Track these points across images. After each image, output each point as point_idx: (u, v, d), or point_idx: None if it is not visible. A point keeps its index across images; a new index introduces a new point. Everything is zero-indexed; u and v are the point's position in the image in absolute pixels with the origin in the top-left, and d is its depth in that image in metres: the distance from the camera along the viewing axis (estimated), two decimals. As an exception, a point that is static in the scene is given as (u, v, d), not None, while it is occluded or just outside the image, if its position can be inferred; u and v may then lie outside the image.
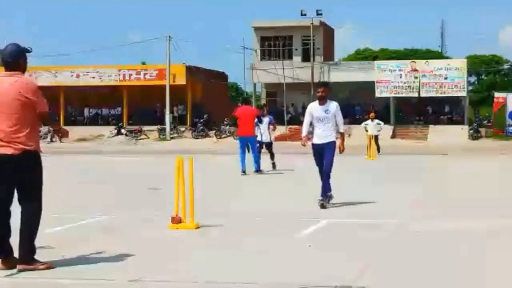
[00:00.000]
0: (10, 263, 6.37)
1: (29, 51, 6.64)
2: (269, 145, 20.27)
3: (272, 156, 20.12)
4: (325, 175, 10.86)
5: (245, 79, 57.92)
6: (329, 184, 10.92)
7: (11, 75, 6.38)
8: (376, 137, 27.85)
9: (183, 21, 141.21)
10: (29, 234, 6.35)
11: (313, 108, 10.99)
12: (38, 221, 6.43)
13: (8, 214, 6.38)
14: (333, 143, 10.90)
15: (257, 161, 18.09)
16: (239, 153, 18.00)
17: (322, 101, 10.91)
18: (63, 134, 6.84)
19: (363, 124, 29.47)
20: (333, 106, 10.93)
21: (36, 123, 6.43)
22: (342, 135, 11.38)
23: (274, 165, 19.84)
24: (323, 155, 10.81)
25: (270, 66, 51.53)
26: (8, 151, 6.24)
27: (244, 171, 17.51)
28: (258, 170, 17.97)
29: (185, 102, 53.05)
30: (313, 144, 11.02)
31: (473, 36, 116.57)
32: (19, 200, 6.39)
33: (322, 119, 10.85)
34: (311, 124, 11.12)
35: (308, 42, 51.88)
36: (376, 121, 28.94)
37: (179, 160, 8.67)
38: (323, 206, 10.69)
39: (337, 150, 10.94)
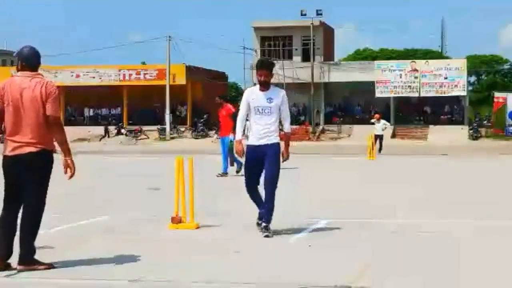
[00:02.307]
0: (6, 264, 6.36)
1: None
2: None
3: None
4: (269, 187, 8.14)
5: (245, 79, 57.88)
6: (273, 205, 8.26)
7: (34, 76, 6.45)
8: (381, 137, 28.35)
9: (183, 21, 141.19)
10: (30, 235, 6.36)
11: (252, 95, 8.24)
12: (39, 222, 6.44)
13: (18, 213, 6.43)
14: (277, 145, 8.19)
15: (236, 161, 17.37)
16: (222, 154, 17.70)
17: (264, 86, 8.25)
18: (67, 165, 6.64)
19: (373, 120, 29.99)
20: (279, 94, 8.26)
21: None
22: (287, 137, 8.44)
23: None
24: (263, 163, 8.14)
25: (270, 66, 51.48)
26: (26, 150, 6.30)
27: (225, 172, 17.37)
28: (225, 171, 17.43)
29: (185, 102, 53.04)
30: (248, 146, 8.24)
31: (473, 36, 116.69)
32: (24, 200, 6.39)
33: (262, 110, 8.15)
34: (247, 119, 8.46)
35: (308, 42, 51.90)
36: (383, 121, 29.51)
37: (179, 160, 8.67)
38: (267, 236, 8.06)
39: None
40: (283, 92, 8.34)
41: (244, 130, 8.42)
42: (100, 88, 52.22)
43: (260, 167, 8.22)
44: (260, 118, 8.17)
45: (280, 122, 8.41)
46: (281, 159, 8.27)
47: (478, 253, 7.21)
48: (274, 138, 8.19)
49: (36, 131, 6.35)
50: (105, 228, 8.90)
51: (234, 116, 15.89)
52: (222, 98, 19.01)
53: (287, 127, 8.35)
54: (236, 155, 9.13)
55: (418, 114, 50.97)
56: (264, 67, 8.30)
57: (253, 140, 8.21)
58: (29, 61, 6.50)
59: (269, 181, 8.13)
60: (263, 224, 8.17)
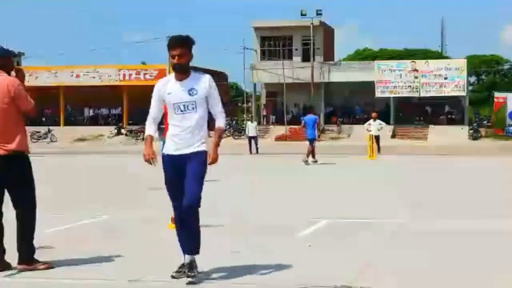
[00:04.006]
0: (2, 265, 6.36)
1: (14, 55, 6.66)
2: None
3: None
4: (189, 217, 5.99)
5: (245, 79, 57.94)
6: (199, 233, 6.13)
7: None
8: (378, 137, 27.97)
9: (183, 21, 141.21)
10: (27, 235, 6.36)
11: (166, 88, 6.04)
12: (33, 221, 6.43)
13: (0, 214, 6.41)
14: (203, 155, 6.00)
15: None
16: None
17: (182, 72, 6.02)
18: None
19: (366, 125, 29.54)
20: (203, 81, 6.07)
21: (21, 123, 6.40)
22: (219, 133, 6.18)
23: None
24: (184, 177, 5.97)
25: (270, 66, 51.57)
26: None
27: None
28: None
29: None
30: (164, 157, 6.10)
31: (473, 36, 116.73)
32: (13, 202, 6.38)
33: (184, 108, 5.97)
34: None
35: (308, 42, 51.91)
36: (378, 121, 29.07)
37: (179, 160, 8.67)
38: (192, 283, 5.85)
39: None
40: (208, 77, 6.08)
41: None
42: (100, 88, 52.23)
43: (181, 184, 6.04)
44: (181, 118, 5.95)
45: (211, 118, 6.19)
46: (207, 163, 6.06)
47: (478, 253, 7.20)
48: (200, 145, 5.98)
49: (4, 131, 6.26)
50: (105, 228, 8.90)
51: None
52: None
53: (222, 122, 6.13)
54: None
55: (418, 114, 50.98)
56: (177, 44, 5.92)
57: (170, 149, 6.00)
58: None
59: (187, 209, 5.91)
60: (186, 260, 6.04)
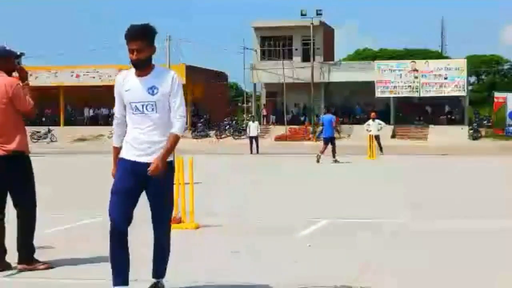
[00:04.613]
0: (3, 265, 6.36)
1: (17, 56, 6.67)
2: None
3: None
4: (163, 242, 5.56)
5: (245, 79, 57.99)
6: (169, 251, 5.63)
7: None
8: (378, 137, 28.03)
9: (183, 21, 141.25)
10: (27, 235, 6.36)
11: (125, 84, 5.29)
12: (34, 221, 6.43)
13: (2, 214, 6.41)
14: (169, 164, 5.30)
15: None
16: None
17: (142, 69, 5.23)
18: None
19: (365, 125, 29.55)
20: (166, 78, 5.26)
21: (21, 123, 6.40)
22: (172, 139, 5.21)
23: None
24: (140, 189, 5.35)
25: (270, 66, 51.58)
26: None
27: None
28: None
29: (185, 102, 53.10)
30: (120, 161, 5.35)
31: (473, 36, 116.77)
32: (13, 202, 6.39)
33: (143, 108, 5.21)
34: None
35: (308, 42, 51.90)
36: (378, 121, 29.08)
37: (179, 161, 8.67)
38: None
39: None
40: (172, 74, 5.30)
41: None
42: (100, 88, 52.24)
43: (135, 196, 5.33)
44: (140, 119, 5.20)
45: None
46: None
47: (478, 253, 7.20)
48: (160, 151, 5.18)
49: (3, 132, 6.26)
50: (105, 228, 8.87)
51: None
52: None
53: (177, 128, 5.22)
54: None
55: (418, 114, 50.97)
56: (135, 37, 5.12)
57: (129, 153, 5.25)
58: None
59: (162, 237, 5.46)
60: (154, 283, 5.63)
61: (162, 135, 5.21)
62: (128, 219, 5.39)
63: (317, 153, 23.41)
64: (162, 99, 5.20)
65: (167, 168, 5.22)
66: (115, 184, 5.29)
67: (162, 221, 5.47)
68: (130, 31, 5.16)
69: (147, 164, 5.13)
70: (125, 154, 5.30)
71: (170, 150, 5.20)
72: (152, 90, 5.20)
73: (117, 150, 5.43)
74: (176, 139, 5.23)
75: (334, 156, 23.41)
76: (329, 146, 23.66)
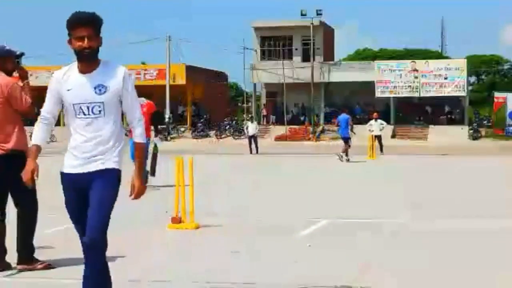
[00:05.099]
0: (3, 265, 6.36)
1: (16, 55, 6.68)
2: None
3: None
4: (92, 256, 4.64)
5: (245, 79, 57.99)
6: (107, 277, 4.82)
7: None
8: (380, 137, 28.20)
9: (183, 21, 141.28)
10: (27, 234, 6.36)
11: (65, 83, 4.50)
12: (34, 221, 6.43)
13: (3, 214, 6.41)
14: (113, 174, 4.50)
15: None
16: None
17: (92, 60, 4.47)
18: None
19: (367, 125, 29.64)
20: (117, 76, 4.49)
21: (19, 123, 6.41)
22: (139, 151, 4.63)
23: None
24: (89, 202, 4.53)
25: (270, 66, 51.58)
26: None
27: None
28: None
29: (185, 102, 53.12)
30: (63, 175, 4.64)
31: (473, 36, 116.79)
32: (14, 201, 6.39)
33: (85, 110, 4.46)
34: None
35: (308, 42, 51.91)
36: (380, 121, 29.26)
37: (179, 160, 8.67)
38: None
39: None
40: (123, 70, 4.52)
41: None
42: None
43: (84, 211, 4.62)
44: (84, 124, 4.44)
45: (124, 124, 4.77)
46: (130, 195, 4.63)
47: (478, 253, 7.20)
48: (109, 161, 4.47)
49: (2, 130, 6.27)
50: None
51: (155, 115, 14.47)
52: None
53: (140, 134, 4.54)
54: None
55: (418, 114, 50.97)
56: (86, 22, 4.40)
57: (71, 164, 4.54)
58: None
59: (88, 246, 4.56)
60: None
61: (111, 142, 4.44)
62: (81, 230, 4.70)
63: (340, 154, 23.97)
64: (111, 99, 4.43)
65: (116, 180, 4.48)
66: (66, 198, 4.68)
67: (92, 234, 4.54)
68: (78, 16, 4.42)
69: (91, 174, 4.42)
70: (67, 166, 4.54)
71: (141, 165, 4.60)
72: (99, 89, 4.42)
73: (38, 148, 4.60)
74: (142, 148, 4.58)
75: (347, 155, 23.99)
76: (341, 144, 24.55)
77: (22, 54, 6.80)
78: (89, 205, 4.51)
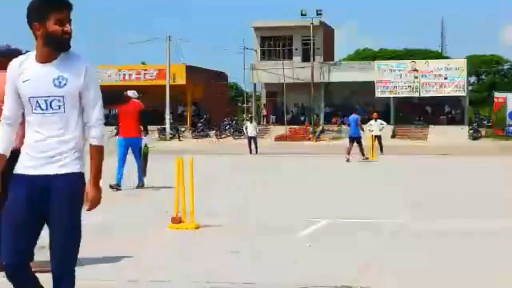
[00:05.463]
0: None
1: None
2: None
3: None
4: (57, 278, 4.08)
5: (245, 79, 57.99)
6: None
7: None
8: (380, 137, 28.21)
9: (183, 21, 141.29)
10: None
11: (22, 74, 3.95)
12: None
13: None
14: (76, 179, 3.98)
15: (139, 170, 14.19)
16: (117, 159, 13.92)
17: (66, 50, 3.91)
18: None
19: (367, 125, 29.62)
20: (79, 68, 3.92)
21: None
22: (96, 155, 4.08)
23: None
24: (43, 213, 3.93)
25: (270, 66, 51.59)
26: None
27: (118, 184, 13.55)
28: (118, 182, 13.68)
29: (185, 102, 53.13)
30: (15, 177, 3.99)
31: (473, 36, 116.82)
32: None
33: (43, 104, 3.91)
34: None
35: (308, 42, 51.91)
36: (380, 121, 29.25)
37: (179, 160, 8.67)
38: None
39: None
40: (85, 61, 3.96)
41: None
42: (100, 88, 52.21)
43: (34, 228, 3.98)
44: (42, 120, 3.91)
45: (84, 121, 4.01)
46: (84, 205, 4.07)
47: (478, 253, 7.20)
48: (70, 163, 3.95)
49: None
50: (105, 228, 8.89)
51: (143, 113, 13.99)
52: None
53: (98, 135, 4.03)
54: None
55: (418, 114, 50.98)
56: (64, 2, 3.85)
57: (25, 164, 3.96)
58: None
59: (58, 280, 4.06)
60: None
61: (71, 140, 3.92)
62: (29, 255, 4.17)
63: (346, 156, 24.06)
64: (72, 93, 3.89)
65: (79, 185, 3.96)
66: (9, 203, 3.91)
67: (63, 266, 4.07)
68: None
69: (49, 177, 3.86)
70: (21, 167, 3.95)
71: (99, 170, 4.01)
72: (59, 81, 3.87)
73: (3, 157, 4.07)
74: (100, 152, 4.04)
75: (363, 154, 24.29)
76: (352, 145, 24.36)
77: (27, 52, 6.80)
78: (52, 228, 3.90)
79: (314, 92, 50.08)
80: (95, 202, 4.01)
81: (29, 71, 3.91)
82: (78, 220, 4.03)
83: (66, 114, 3.90)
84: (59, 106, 3.89)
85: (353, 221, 9.45)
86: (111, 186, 13.27)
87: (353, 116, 25.36)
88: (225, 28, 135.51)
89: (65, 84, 3.88)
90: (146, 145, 14.54)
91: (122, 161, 13.82)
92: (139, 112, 13.88)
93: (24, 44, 6.68)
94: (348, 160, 23.60)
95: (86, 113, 3.96)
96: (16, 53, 6.63)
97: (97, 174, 4.00)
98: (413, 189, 14.03)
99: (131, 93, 14.39)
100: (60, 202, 3.86)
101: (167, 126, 49.36)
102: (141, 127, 14.07)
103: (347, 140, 25.45)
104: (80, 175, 3.97)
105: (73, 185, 3.92)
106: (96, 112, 3.97)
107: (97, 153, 4.03)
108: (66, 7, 3.85)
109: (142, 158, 14.23)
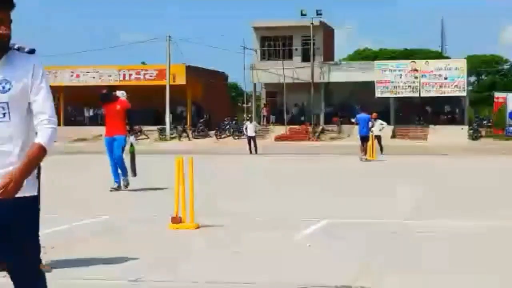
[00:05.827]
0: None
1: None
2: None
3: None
4: None
5: (245, 79, 57.97)
6: None
7: None
8: (379, 137, 28.22)
9: (183, 21, 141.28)
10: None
11: None
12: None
13: None
14: (28, 204, 3.53)
15: (121, 167, 13.60)
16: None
17: (6, 50, 3.55)
18: None
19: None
20: (25, 67, 3.55)
21: None
22: (36, 153, 3.48)
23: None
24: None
25: (270, 66, 51.59)
26: None
27: (118, 185, 13.50)
28: (118, 183, 13.49)
29: (185, 102, 53.11)
30: None
31: (473, 36, 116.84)
32: None
33: None
34: None
35: (308, 42, 51.91)
36: (379, 121, 29.24)
37: (179, 160, 8.67)
38: None
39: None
40: (32, 61, 3.61)
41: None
42: (100, 88, 52.18)
43: None
44: None
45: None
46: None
47: (478, 253, 7.21)
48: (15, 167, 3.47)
49: None
50: (105, 228, 8.90)
51: (130, 112, 13.90)
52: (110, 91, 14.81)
53: (46, 137, 3.57)
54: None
55: (418, 114, 50.97)
56: (3, 2, 3.51)
57: None
58: None
59: (19, 277, 3.78)
60: None
61: (16, 149, 3.51)
62: None
63: (361, 156, 24.26)
64: (18, 97, 3.51)
65: (30, 206, 3.53)
66: None
67: (31, 281, 3.71)
68: None
69: None
70: None
71: (30, 165, 3.44)
72: (2, 85, 3.49)
73: None
74: (41, 151, 3.49)
75: (365, 154, 24.52)
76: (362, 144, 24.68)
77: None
78: (5, 233, 3.54)
79: (314, 92, 50.06)
80: (12, 189, 3.35)
81: None
82: (34, 230, 3.62)
83: (11, 121, 3.51)
84: (4, 114, 3.49)
85: (353, 221, 9.45)
86: (112, 190, 13.27)
87: (363, 116, 25.66)
88: (225, 28, 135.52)
89: (9, 88, 3.49)
90: (132, 145, 14.32)
91: (113, 160, 13.62)
92: (126, 111, 13.79)
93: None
94: (365, 159, 23.95)
95: (36, 113, 3.56)
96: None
97: (25, 166, 3.41)
98: (413, 189, 14.03)
99: (119, 93, 14.32)
100: (10, 213, 3.44)
101: (167, 126, 49.37)
102: (127, 127, 13.93)
103: (347, 140, 25.47)
104: (34, 199, 3.55)
105: (27, 214, 3.52)
106: (47, 112, 3.57)
107: (37, 149, 3.48)
108: (3, 7, 3.47)
109: (130, 158, 14.04)
